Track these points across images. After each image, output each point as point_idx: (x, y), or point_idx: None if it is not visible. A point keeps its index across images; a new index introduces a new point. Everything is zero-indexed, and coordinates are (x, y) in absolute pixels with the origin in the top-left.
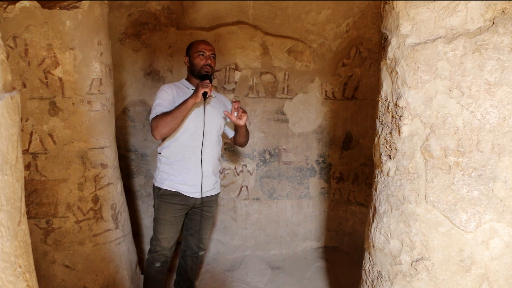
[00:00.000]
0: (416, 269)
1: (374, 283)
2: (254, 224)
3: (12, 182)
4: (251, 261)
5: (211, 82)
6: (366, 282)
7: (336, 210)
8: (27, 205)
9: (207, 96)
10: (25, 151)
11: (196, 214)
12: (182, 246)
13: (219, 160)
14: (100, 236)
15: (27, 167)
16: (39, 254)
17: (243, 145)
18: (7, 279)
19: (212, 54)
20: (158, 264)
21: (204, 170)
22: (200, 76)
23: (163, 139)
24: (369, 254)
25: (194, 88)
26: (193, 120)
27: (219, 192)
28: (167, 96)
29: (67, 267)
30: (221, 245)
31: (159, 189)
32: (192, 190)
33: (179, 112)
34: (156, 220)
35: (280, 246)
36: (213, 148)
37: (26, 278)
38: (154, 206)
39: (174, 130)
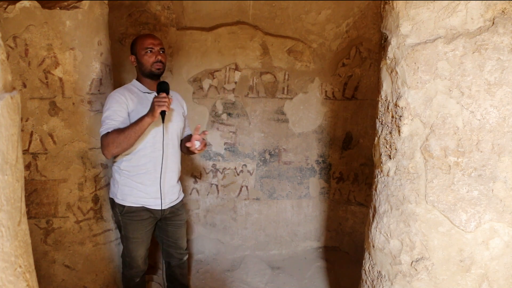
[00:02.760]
0: (416, 269)
1: (374, 283)
2: (254, 224)
3: (12, 182)
4: (251, 261)
5: (168, 92)
6: (366, 282)
7: (336, 210)
8: (27, 205)
9: (167, 113)
10: (25, 151)
11: (168, 225)
12: (163, 258)
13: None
14: (100, 236)
15: (27, 167)
16: (39, 254)
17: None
18: (7, 279)
19: (161, 48)
20: (137, 280)
21: (169, 180)
22: (151, 75)
23: None
24: (369, 254)
25: (147, 91)
26: (153, 132)
27: (183, 196)
28: (118, 107)
29: (67, 267)
30: (221, 245)
31: (123, 206)
32: (157, 202)
33: (132, 132)
34: (126, 239)
35: (280, 246)
36: (176, 154)
37: (26, 278)
38: (116, 222)
39: (126, 150)
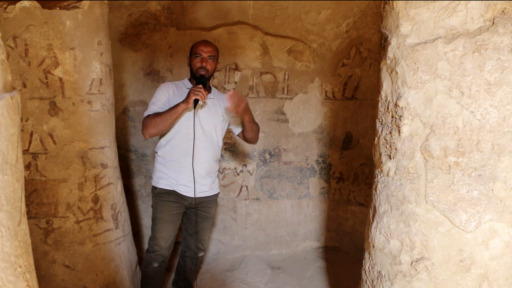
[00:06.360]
0: (416, 269)
1: (374, 283)
2: (254, 224)
3: (12, 182)
4: (251, 261)
5: (205, 86)
6: (366, 282)
7: (336, 210)
8: (27, 205)
9: (200, 103)
10: (25, 151)
11: (193, 214)
12: (181, 246)
13: (217, 161)
14: (100, 236)
15: (27, 167)
16: (39, 254)
17: (252, 139)
18: (7, 279)
19: (210, 55)
20: (156, 264)
21: (197, 171)
22: (195, 77)
23: (160, 138)
24: (369, 254)
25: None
26: (187, 122)
27: (218, 193)
28: (162, 97)
29: (67, 267)
30: (221, 245)
31: (156, 188)
32: (186, 190)
33: (169, 115)
34: (154, 219)
35: (280, 246)
36: (208, 149)
37: (26, 278)
38: (152, 206)
39: (162, 131)
